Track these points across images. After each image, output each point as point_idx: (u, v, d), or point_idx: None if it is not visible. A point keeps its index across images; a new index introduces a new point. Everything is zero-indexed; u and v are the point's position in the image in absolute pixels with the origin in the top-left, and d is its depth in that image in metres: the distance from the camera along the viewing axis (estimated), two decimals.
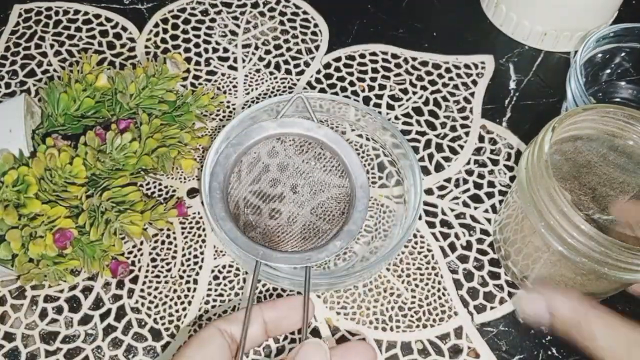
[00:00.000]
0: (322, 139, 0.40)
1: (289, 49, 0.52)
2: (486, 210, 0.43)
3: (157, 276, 0.40)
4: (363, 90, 0.50)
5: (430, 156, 0.46)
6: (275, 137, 0.40)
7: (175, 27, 0.53)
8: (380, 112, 0.48)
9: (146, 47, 0.52)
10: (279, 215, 0.38)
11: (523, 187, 0.34)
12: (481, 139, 0.47)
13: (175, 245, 0.41)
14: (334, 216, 0.37)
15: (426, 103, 0.49)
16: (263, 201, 0.38)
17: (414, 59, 0.52)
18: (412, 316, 0.39)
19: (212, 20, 0.54)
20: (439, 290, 0.40)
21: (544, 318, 0.30)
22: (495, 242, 0.42)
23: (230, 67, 0.51)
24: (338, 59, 0.52)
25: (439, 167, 0.46)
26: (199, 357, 0.26)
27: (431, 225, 0.43)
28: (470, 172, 0.45)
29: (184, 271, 0.40)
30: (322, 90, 0.50)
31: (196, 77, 0.50)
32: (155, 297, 0.39)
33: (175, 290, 0.39)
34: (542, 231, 0.33)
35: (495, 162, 0.46)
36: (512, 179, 0.45)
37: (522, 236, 0.37)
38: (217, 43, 0.52)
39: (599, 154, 0.38)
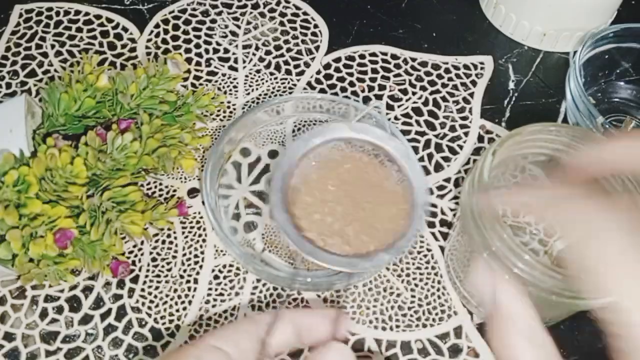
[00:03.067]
0: (392, 151, 0.39)
1: (289, 50, 0.52)
2: None
3: (158, 276, 0.40)
4: (363, 91, 0.50)
5: (430, 156, 0.46)
6: (346, 140, 0.39)
7: (176, 27, 0.53)
8: (380, 110, 0.48)
9: (147, 47, 0.52)
10: (333, 219, 0.37)
11: (466, 214, 0.33)
12: (480, 139, 0.47)
13: (176, 245, 0.41)
14: (389, 230, 0.37)
15: (426, 103, 0.49)
16: (321, 200, 0.37)
17: (414, 60, 0.52)
18: (411, 315, 0.39)
19: (213, 21, 0.54)
20: (438, 289, 0.40)
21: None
22: (446, 264, 0.41)
23: (231, 68, 0.51)
24: (338, 60, 0.52)
25: (438, 167, 0.46)
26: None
27: (431, 225, 0.43)
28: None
29: (185, 271, 0.40)
30: (322, 91, 0.50)
31: (197, 78, 0.50)
32: (155, 296, 0.39)
33: (175, 290, 0.39)
34: (487, 259, 0.31)
35: None
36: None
37: (469, 259, 0.36)
38: (218, 44, 0.53)
39: (545, 173, 0.38)
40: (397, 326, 0.38)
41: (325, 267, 0.35)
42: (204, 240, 0.42)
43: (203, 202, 0.39)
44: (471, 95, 0.50)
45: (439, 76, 0.51)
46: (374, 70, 0.51)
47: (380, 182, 0.38)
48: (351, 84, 0.50)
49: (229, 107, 0.48)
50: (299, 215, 0.37)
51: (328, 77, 0.51)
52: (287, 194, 0.37)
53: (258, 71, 0.51)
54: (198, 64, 0.51)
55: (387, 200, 0.38)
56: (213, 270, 0.40)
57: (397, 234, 0.36)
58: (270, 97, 0.49)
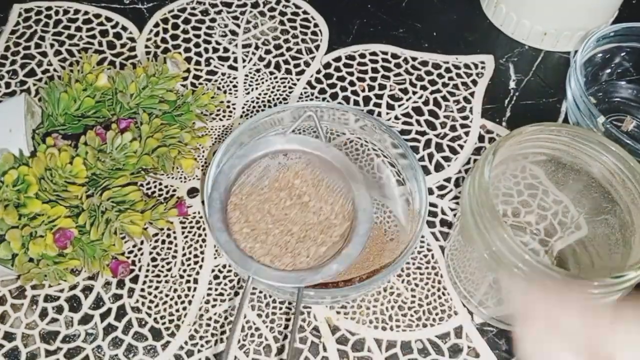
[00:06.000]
0: (329, 159, 0.39)
1: (289, 49, 0.52)
2: None
3: (158, 275, 0.40)
4: (363, 90, 0.50)
5: (430, 156, 0.46)
6: (282, 152, 0.39)
7: (175, 26, 0.53)
8: (380, 115, 0.48)
9: (146, 46, 0.52)
10: (278, 231, 0.37)
11: (467, 214, 0.33)
12: (481, 138, 0.47)
13: (176, 245, 0.41)
14: (333, 238, 0.37)
15: (426, 103, 0.49)
16: (262, 216, 0.38)
17: (414, 59, 0.52)
18: (412, 315, 0.39)
19: (213, 20, 0.54)
20: (438, 289, 0.40)
21: None
22: (447, 264, 0.41)
23: (231, 67, 0.51)
24: (338, 59, 0.52)
25: (438, 167, 0.46)
26: None
27: (431, 225, 0.43)
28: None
29: (184, 270, 0.40)
30: (322, 91, 0.50)
31: (196, 77, 0.50)
32: (155, 296, 0.39)
33: (175, 290, 0.39)
34: (487, 258, 0.32)
35: None
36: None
37: (469, 259, 0.36)
38: (218, 43, 0.52)
39: (545, 173, 0.38)
40: (398, 326, 0.38)
41: (271, 285, 0.35)
42: (203, 240, 0.41)
43: (203, 202, 0.39)
44: (472, 94, 0.50)
45: (440, 75, 0.51)
46: (374, 70, 0.51)
47: (319, 190, 0.38)
48: (351, 83, 0.50)
49: (228, 107, 0.48)
50: (241, 233, 0.37)
51: (328, 76, 0.50)
52: (227, 213, 0.37)
53: (258, 70, 0.51)
54: (197, 63, 0.51)
55: (328, 207, 0.38)
56: (213, 270, 0.40)
57: (343, 240, 0.37)
58: (270, 96, 0.49)
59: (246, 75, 0.50)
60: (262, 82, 0.50)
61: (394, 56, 0.52)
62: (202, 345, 0.37)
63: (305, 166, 0.39)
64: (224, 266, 0.40)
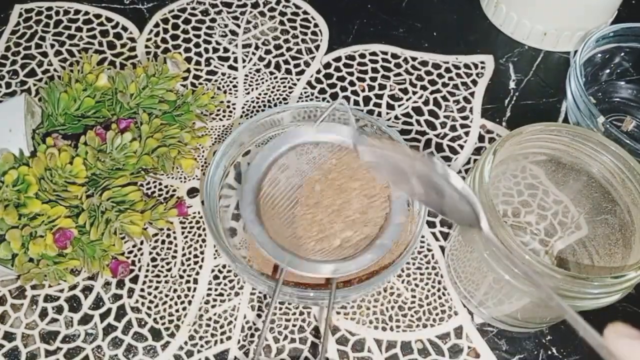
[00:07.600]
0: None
1: (289, 49, 0.52)
2: None
3: (157, 276, 0.40)
4: (363, 90, 0.50)
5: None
6: (313, 143, 0.39)
7: (175, 27, 0.53)
8: (380, 115, 0.48)
9: (146, 46, 0.52)
10: (310, 221, 0.37)
11: None
12: (481, 138, 0.47)
13: (176, 245, 0.41)
14: (367, 227, 0.37)
15: (426, 103, 0.49)
16: (294, 206, 0.37)
17: (414, 59, 0.52)
18: (412, 316, 0.39)
19: (213, 20, 0.54)
20: (439, 290, 0.40)
21: None
22: (447, 264, 0.41)
23: (231, 67, 0.51)
24: (338, 59, 0.52)
25: None
26: None
27: (431, 225, 0.43)
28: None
29: (184, 271, 0.40)
30: (322, 91, 0.50)
31: (196, 77, 0.50)
32: (155, 296, 0.39)
33: (175, 290, 0.39)
34: (487, 259, 0.31)
35: None
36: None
37: (469, 259, 0.36)
38: (218, 43, 0.52)
39: (546, 173, 0.38)
40: (398, 326, 0.38)
41: (307, 276, 0.34)
42: (203, 241, 0.41)
43: (202, 202, 0.39)
44: (472, 94, 0.50)
45: (440, 75, 0.51)
46: (374, 70, 0.51)
47: (351, 180, 0.38)
48: (351, 83, 0.50)
49: (228, 107, 0.48)
50: (274, 225, 0.37)
51: (328, 76, 0.50)
52: (259, 206, 0.37)
53: (258, 70, 0.51)
54: (198, 63, 0.51)
55: (361, 197, 0.37)
56: (213, 271, 0.40)
57: (377, 230, 0.36)
58: (269, 96, 0.49)
59: (246, 75, 0.50)
60: (262, 82, 0.50)
61: (394, 56, 0.52)
62: (202, 346, 0.37)
63: (337, 156, 0.39)
64: (224, 266, 0.40)
